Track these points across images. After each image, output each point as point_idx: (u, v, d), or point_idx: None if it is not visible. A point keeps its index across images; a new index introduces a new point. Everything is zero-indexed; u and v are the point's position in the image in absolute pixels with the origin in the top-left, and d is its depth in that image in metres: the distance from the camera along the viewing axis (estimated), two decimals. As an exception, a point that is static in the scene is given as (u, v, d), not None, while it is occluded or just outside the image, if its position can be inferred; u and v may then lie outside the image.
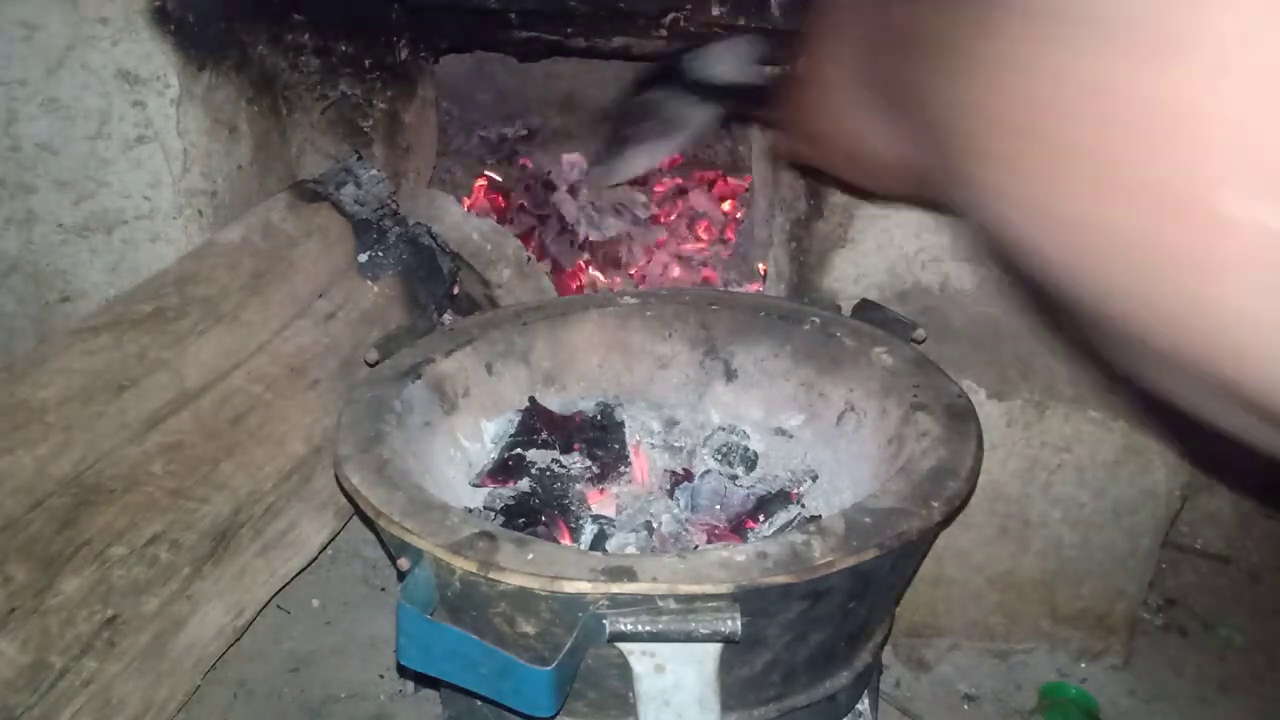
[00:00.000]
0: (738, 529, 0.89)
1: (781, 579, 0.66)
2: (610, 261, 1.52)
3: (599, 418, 1.01)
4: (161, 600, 0.89)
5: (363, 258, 1.21)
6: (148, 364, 0.94)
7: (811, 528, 0.71)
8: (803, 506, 0.91)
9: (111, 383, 0.91)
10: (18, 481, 0.83)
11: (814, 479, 0.95)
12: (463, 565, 0.67)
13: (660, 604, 0.65)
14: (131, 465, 0.90)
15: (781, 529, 0.87)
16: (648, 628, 0.65)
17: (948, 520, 0.76)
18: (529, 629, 0.69)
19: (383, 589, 1.21)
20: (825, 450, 0.98)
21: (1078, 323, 0.55)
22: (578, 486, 0.93)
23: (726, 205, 1.68)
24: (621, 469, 0.97)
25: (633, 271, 1.58)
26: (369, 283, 1.20)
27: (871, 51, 0.65)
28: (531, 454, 0.97)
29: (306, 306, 1.13)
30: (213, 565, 0.93)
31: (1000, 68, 0.43)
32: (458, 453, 0.97)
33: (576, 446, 0.98)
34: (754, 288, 1.48)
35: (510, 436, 0.97)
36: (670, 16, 1.18)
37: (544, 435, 0.98)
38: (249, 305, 1.05)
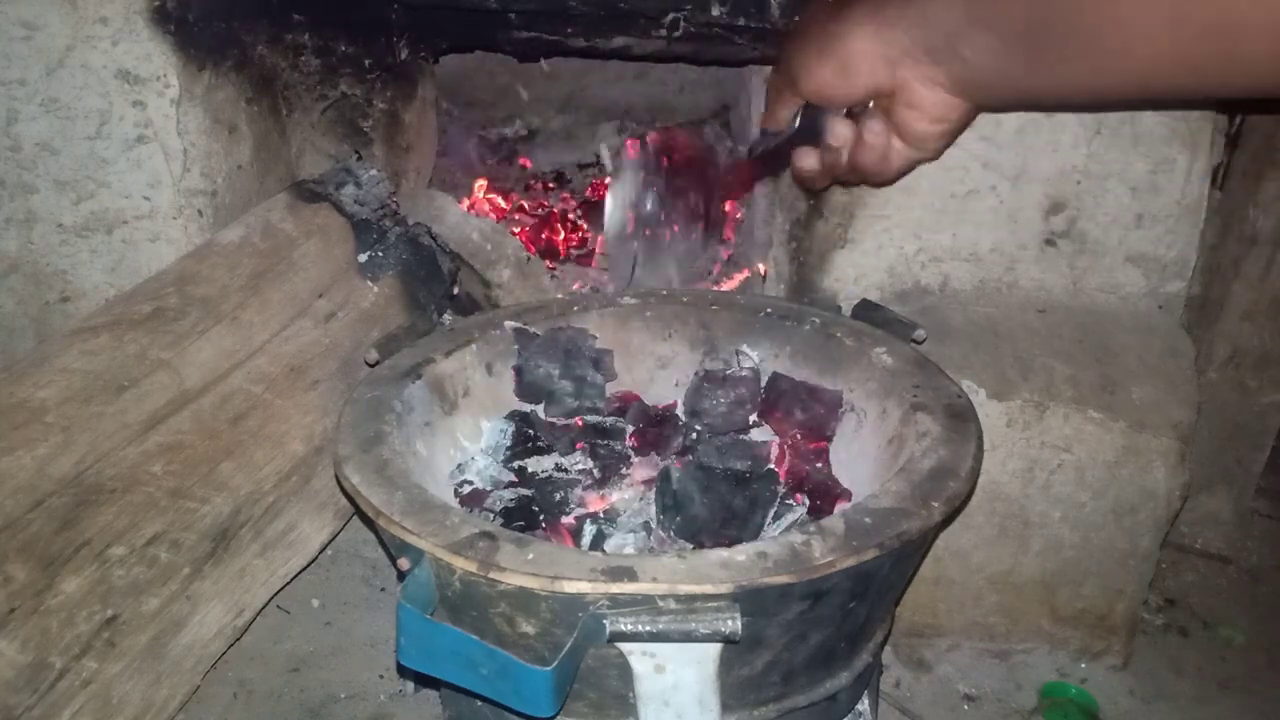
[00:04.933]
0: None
1: (781, 579, 0.66)
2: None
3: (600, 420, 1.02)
4: (161, 600, 0.89)
5: (363, 258, 1.21)
6: (148, 364, 0.94)
7: (811, 528, 0.71)
8: (805, 506, 0.91)
9: (111, 383, 0.91)
10: (18, 482, 0.83)
11: (814, 479, 0.95)
12: (463, 565, 0.67)
13: (660, 604, 0.65)
14: (131, 465, 0.90)
15: (787, 529, 0.87)
16: (648, 628, 0.65)
17: (948, 520, 0.76)
18: (529, 629, 0.69)
19: (383, 589, 1.21)
20: (825, 450, 0.98)
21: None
22: (578, 490, 0.93)
23: (726, 205, 1.68)
24: (623, 470, 0.97)
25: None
26: (369, 283, 1.20)
27: None
28: (533, 461, 0.97)
29: (306, 306, 1.13)
30: (213, 565, 0.93)
31: None
32: (458, 453, 0.97)
33: (580, 446, 0.98)
34: (739, 278, 1.48)
35: (507, 449, 0.97)
36: (670, 17, 1.18)
37: (539, 441, 0.98)
38: (249, 305, 1.05)
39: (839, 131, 0.88)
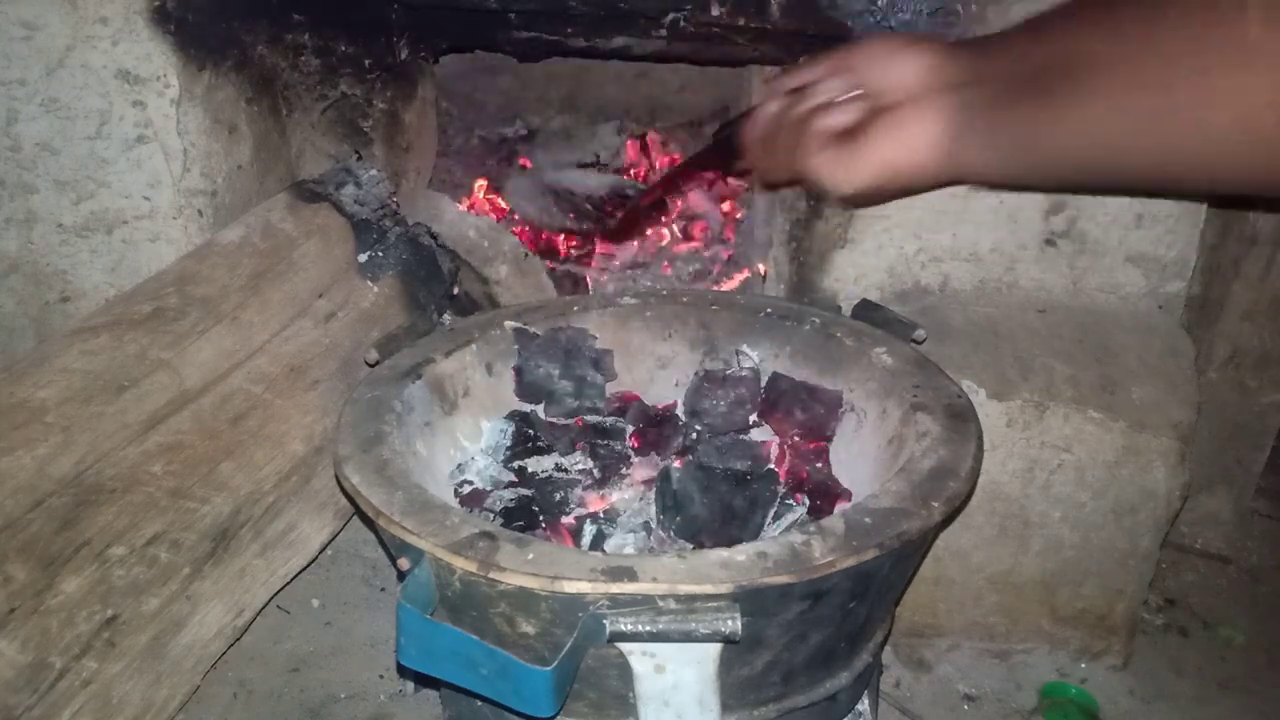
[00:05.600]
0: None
1: (781, 579, 0.66)
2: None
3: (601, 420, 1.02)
4: (161, 600, 0.89)
5: (363, 258, 1.21)
6: (148, 364, 0.94)
7: (811, 528, 0.71)
8: (805, 506, 0.91)
9: (111, 383, 0.91)
10: (18, 482, 0.83)
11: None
12: (463, 565, 0.67)
13: (660, 604, 0.65)
14: (131, 465, 0.90)
15: (787, 529, 0.87)
16: (648, 628, 0.65)
17: (948, 520, 0.76)
18: (529, 629, 0.69)
19: (383, 589, 1.22)
20: (825, 450, 0.98)
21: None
22: (578, 491, 0.93)
23: (726, 205, 1.69)
24: (623, 470, 0.97)
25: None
26: (369, 283, 1.20)
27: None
28: (533, 461, 0.97)
29: (306, 307, 1.13)
30: (213, 565, 0.94)
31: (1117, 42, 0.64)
32: (458, 453, 0.97)
33: (580, 446, 0.98)
34: (739, 278, 1.49)
35: (507, 449, 0.97)
36: (670, 17, 1.18)
37: (540, 441, 0.98)
38: (249, 305, 1.05)
39: (832, 84, 0.85)
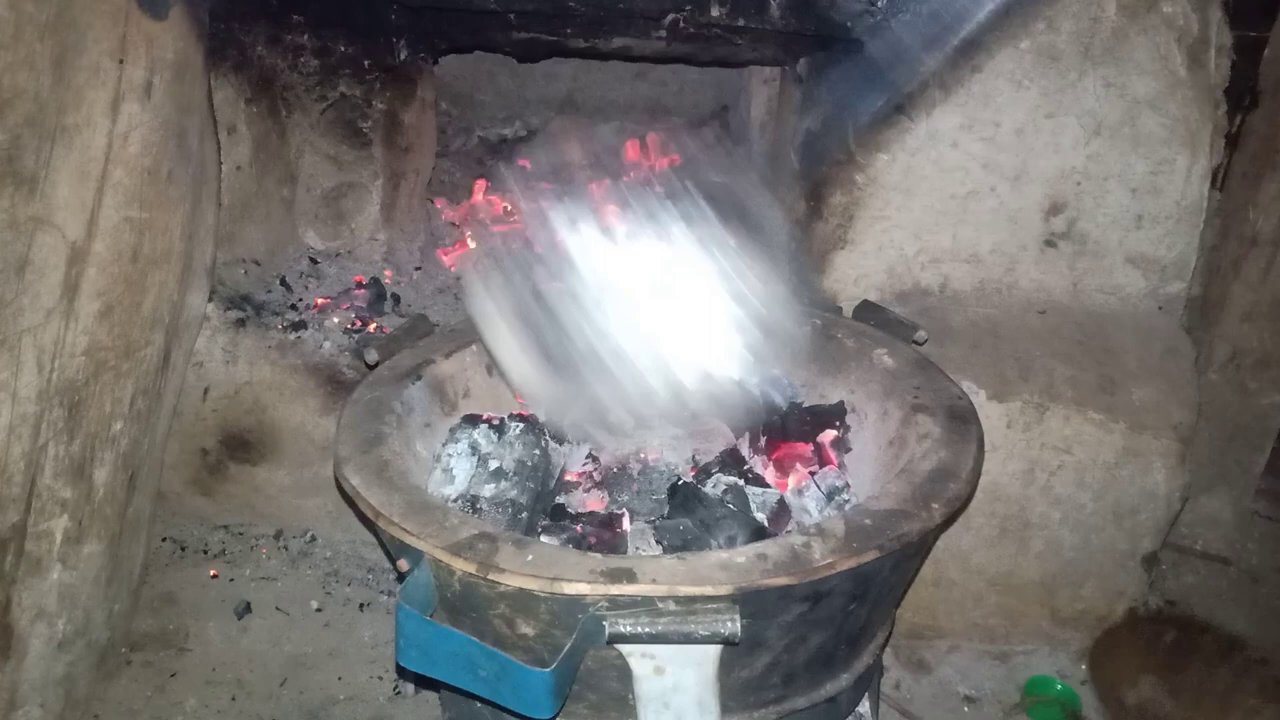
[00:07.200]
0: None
1: (781, 581, 0.65)
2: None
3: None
4: (158, 437, 1.11)
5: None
6: (24, 230, 0.88)
7: (812, 529, 0.70)
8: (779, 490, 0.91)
9: (8, 266, 0.87)
10: (6, 420, 0.89)
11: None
12: (462, 567, 0.67)
13: (660, 606, 0.65)
14: (85, 350, 0.95)
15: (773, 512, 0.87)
16: (647, 629, 0.65)
17: (948, 522, 0.76)
18: (528, 630, 0.69)
19: (383, 591, 1.21)
20: (825, 451, 0.98)
21: None
22: (579, 493, 0.93)
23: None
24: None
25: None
26: (156, 22, 1.02)
27: None
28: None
29: (118, 82, 0.98)
30: (164, 382, 1.09)
31: None
32: (457, 454, 0.97)
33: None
34: None
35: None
36: (670, 18, 1.18)
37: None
38: (66, 107, 0.92)
39: None
